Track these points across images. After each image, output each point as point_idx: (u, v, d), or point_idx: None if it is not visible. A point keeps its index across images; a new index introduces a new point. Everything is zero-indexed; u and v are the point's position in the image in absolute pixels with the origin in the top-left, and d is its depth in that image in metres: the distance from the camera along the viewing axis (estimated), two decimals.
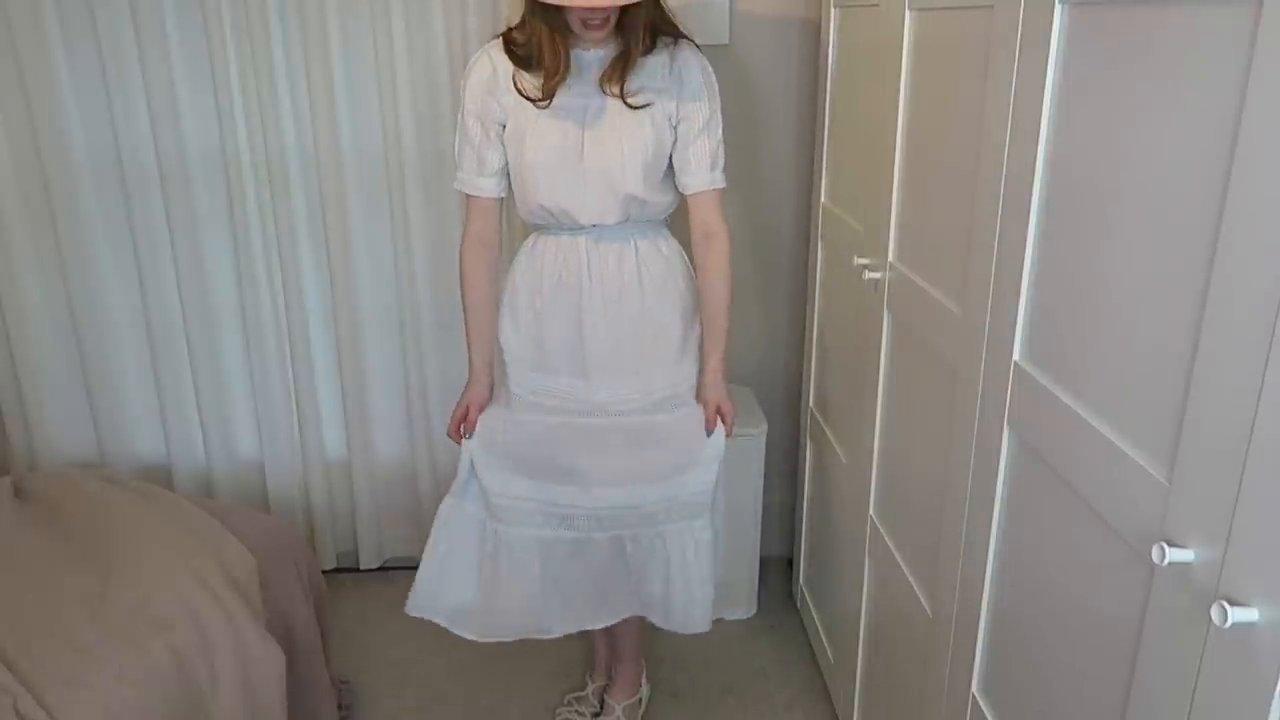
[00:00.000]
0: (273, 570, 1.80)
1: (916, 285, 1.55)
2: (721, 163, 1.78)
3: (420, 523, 2.67)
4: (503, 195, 1.81)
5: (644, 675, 2.18)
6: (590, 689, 2.20)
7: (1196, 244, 0.83)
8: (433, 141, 2.35)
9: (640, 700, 2.15)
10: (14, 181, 2.35)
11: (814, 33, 2.34)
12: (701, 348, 1.87)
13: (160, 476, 2.59)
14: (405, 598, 2.63)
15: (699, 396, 1.86)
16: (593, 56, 1.70)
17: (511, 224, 2.17)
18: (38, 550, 1.72)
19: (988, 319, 1.25)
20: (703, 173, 1.76)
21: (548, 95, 1.68)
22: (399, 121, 2.31)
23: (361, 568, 2.70)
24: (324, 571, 2.33)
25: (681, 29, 1.76)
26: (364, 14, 2.26)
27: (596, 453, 1.82)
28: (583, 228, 1.75)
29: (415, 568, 2.73)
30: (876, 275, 1.72)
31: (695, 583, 1.86)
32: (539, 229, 1.82)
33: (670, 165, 1.76)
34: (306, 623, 1.87)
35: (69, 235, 2.37)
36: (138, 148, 2.32)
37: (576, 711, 2.17)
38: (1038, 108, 1.09)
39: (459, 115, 1.77)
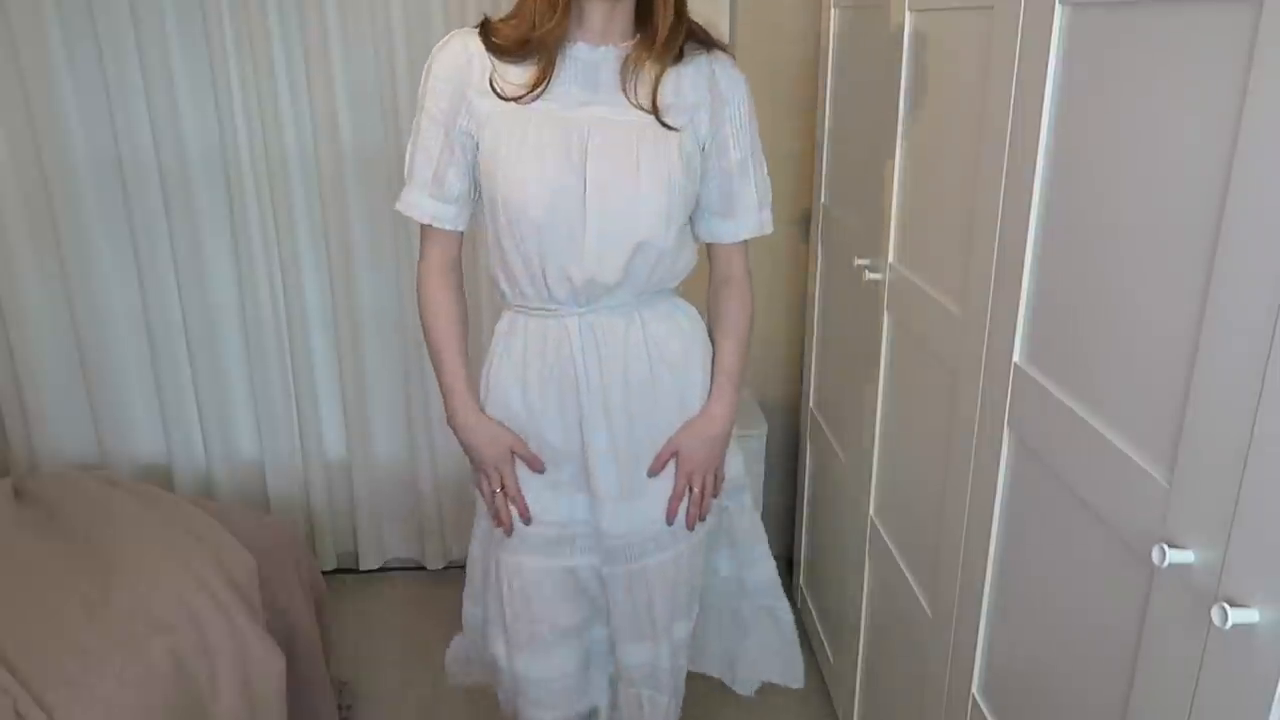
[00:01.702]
0: (273, 571, 1.80)
1: (916, 286, 1.55)
2: (770, 200, 1.44)
3: (420, 524, 2.67)
4: (461, 229, 1.42)
5: None
6: None
7: (1197, 245, 0.83)
8: None
9: None
10: (14, 182, 2.35)
11: (814, 33, 2.34)
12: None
13: (160, 477, 2.59)
14: (405, 598, 2.64)
15: (677, 447, 1.44)
16: (601, 55, 1.31)
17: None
18: (38, 552, 1.72)
19: (988, 320, 1.25)
20: (751, 215, 1.42)
21: (534, 45, 1.27)
22: (399, 121, 2.31)
23: (361, 568, 2.71)
24: (324, 572, 2.33)
25: (715, 39, 1.38)
26: (364, 14, 2.26)
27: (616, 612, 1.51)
28: (566, 305, 1.36)
29: (415, 568, 2.75)
30: (876, 276, 1.72)
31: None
32: (515, 306, 1.42)
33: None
34: (307, 623, 1.87)
35: (69, 236, 2.37)
36: (138, 148, 2.32)
37: None
38: (1038, 109, 1.09)
39: (415, 117, 1.39)
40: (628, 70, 1.30)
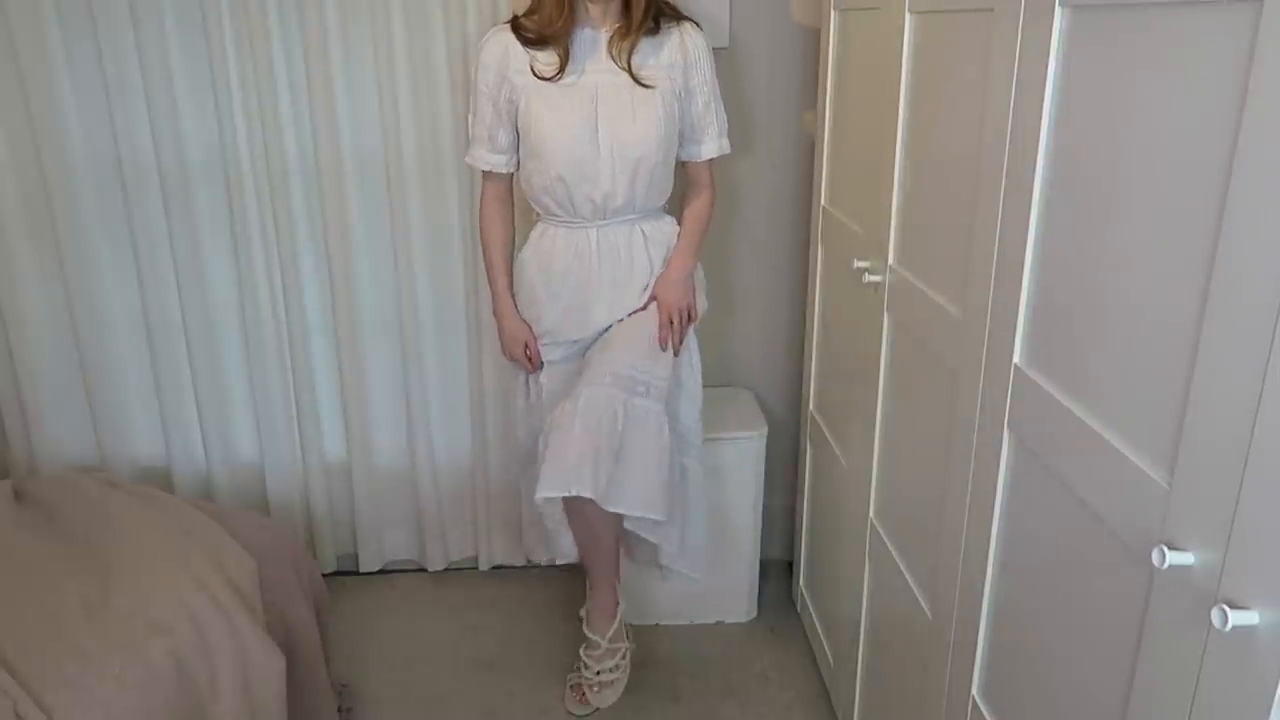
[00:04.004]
0: (273, 573, 1.80)
1: (916, 288, 1.55)
2: (727, 129, 1.99)
3: (420, 525, 2.67)
4: (512, 170, 1.97)
5: (618, 602, 2.18)
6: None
7: (1197, 247, 0.83)
8: (433, 144, 2.35)
9: (620, 621, 2.17)
10: (14, 183, 2.34)
11: (813, 36, 2.34)
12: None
13: (160, 479, 2.59)
14: (406, 601, 2.64)
15: (655, 295, 1.97)
16: (601, 37, 1.84)
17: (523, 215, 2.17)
18: (37, 554, 1.72)
19: (988, 322, 1.25)
20: (713, 140, 1.97)
21: (550, 37, 1.80)
22: (399, 123, 2.31)
23: (361, 570, 2.70)
24: (324, 574, 2.33)
25: (683, 12, 1.92)
26: (364, 16, 2.26)
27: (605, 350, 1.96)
28: (588, 220, 1.90)
29: (415, 570, 2.75)
30: (876, 278, 1.72)
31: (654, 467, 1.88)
32: (548, 219, 1.95)
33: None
34: (306, 625, 1.87)
35: (69, 238, 2.37)
36: (137, 149, 2.32)
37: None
38: (1038, 111, 1.09)
39: (471, 95, 1.93)
40: (613, 45, 1.83)
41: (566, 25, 1.80)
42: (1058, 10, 1.05)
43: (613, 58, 1.83)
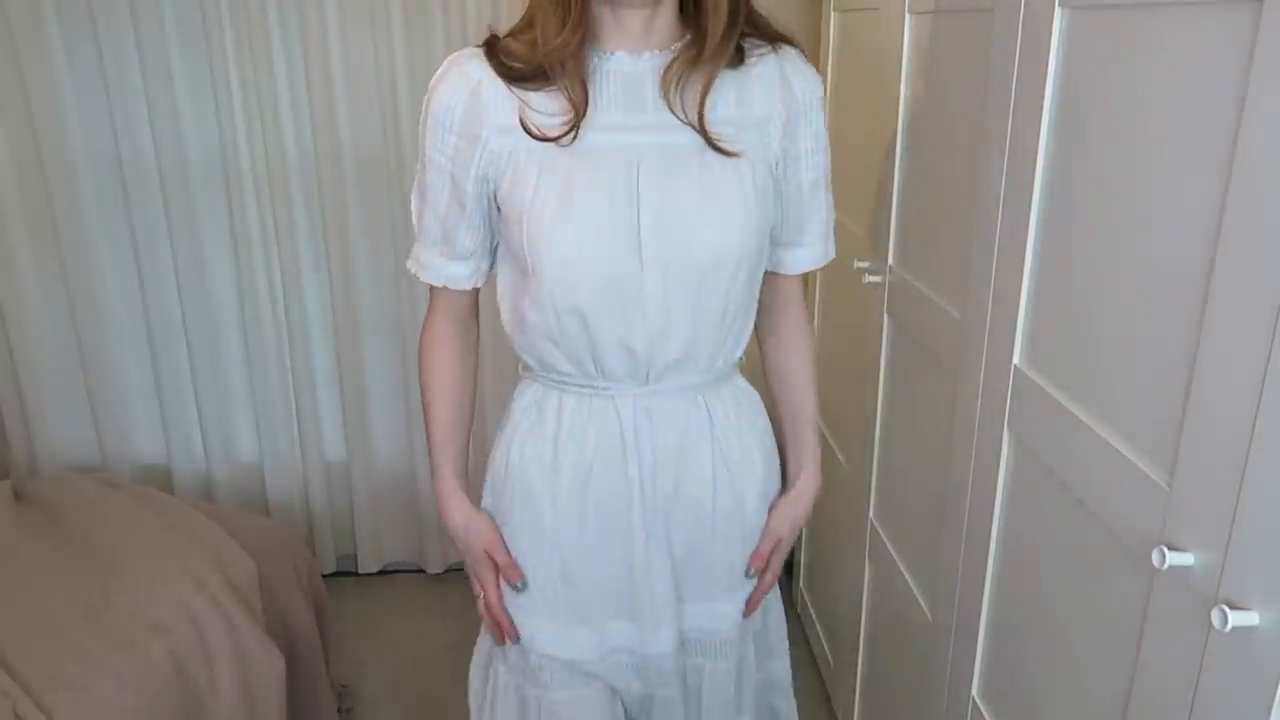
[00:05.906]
0: (272, 574, 1.80)
1: (916, 289, 1.55)
2: (833, 224, 1.23)
3: (420, 526, 2.67)
4: (477, 285, 1.19)
5: None
6: None
7: (1197, 247, 0.83)
8: None
9: None
10: (14, 182, 2.35)
11: (813, 37, 2.34)
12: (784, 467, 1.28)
13: (160, 479, 2.59)
14: (406, 601, 2.63)
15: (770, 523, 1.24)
16: (645, 65, 1.06)
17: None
18: (37, 554, 1.72)
19: (988, 323, 1.25)
20: (818, 244, 1.21)
21: (549, 65, 1.02)
22: (399, 123, 2.31)
23: (361, 571, 2.70)
24: (324, 575, 2.33)
25: (780, 29, 1.15)
26: (364, 16, 2.26)
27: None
28: (620, 382, 1.10)
29: (415, 571, 2.75)
30: (876, 279, 1.72)
31: None
32: (547, 377, 1.15)
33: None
34: (306, 626, 1.87)
35: (70, 238, 2.37)
36: (138, 148, 2.32)
37: None
38: (1038, 111, 1.09)
39: (418, 164, 1.17)
40: (670, 80, 1.04)
41: (568, 48, 1.01)
42: (1058, 10, 1.05)
43: (668, 103, 1.05)
